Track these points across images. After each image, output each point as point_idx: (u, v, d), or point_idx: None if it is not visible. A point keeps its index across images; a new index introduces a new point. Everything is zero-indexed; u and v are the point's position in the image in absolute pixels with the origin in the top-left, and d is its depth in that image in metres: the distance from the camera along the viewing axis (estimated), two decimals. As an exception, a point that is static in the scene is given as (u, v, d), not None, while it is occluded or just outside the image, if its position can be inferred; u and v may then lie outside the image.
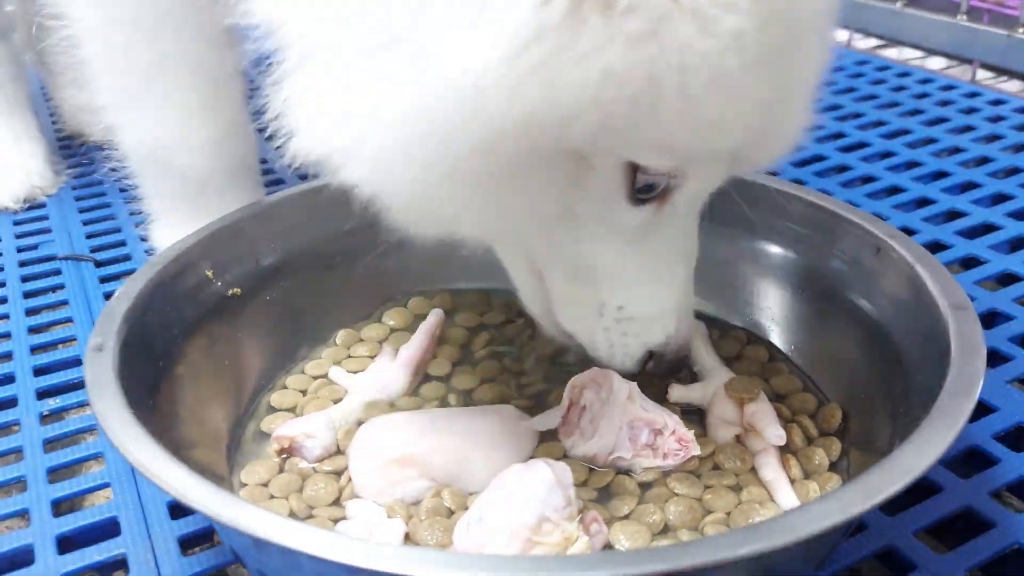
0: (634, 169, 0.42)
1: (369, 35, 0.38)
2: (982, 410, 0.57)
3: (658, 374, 0.52)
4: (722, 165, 0.44)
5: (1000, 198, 0.83)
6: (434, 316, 0.63)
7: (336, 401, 0.57)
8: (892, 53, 1.26)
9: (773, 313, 0.60)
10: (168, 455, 0.38)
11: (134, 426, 0.39)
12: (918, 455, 0.36)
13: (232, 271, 0.57)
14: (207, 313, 0.55)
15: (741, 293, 0.62)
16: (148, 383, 0.47)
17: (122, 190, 0.82)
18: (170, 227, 0.70)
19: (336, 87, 0.40)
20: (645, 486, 0.50)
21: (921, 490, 0.51)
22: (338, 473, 0.51)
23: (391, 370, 0.59)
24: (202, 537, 0.51)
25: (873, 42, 1.31)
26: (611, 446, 0.50)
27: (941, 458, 0.36)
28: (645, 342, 0.50)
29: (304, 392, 0.59)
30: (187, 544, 0.51)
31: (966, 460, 0.54)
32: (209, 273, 0.56)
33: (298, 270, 0.62)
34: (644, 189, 0.43)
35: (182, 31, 0.61)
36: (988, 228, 0.78)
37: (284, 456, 0.52)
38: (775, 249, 0.60)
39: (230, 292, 0.57)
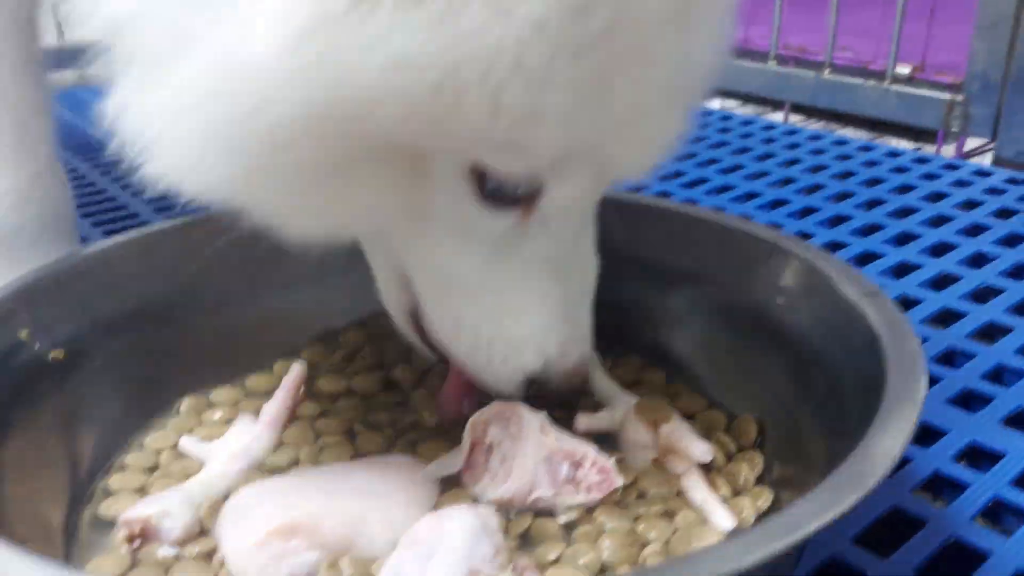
0: (479, 169, 0.39)
1: (174, 24, 0.37)
2: (881, 412, 0.56)
3: (551, 404, 0.47)
4: (585, 173, 0.41)
5: (839, 219, 0.86)
6: (296, 368, 0.55)
7: (190, 476, 0.48)
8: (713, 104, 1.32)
9: (666, 334, 0.57)
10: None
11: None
12: (892, 437, 0.33)
13: (53, 331, 0.48)
14: (25, 381, 0.45)
15: (627, 315, 0.58)
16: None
17: None
18: None
19: (151, 82, 0.38)
20: (569, 526, 0.44)
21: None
22: (208, 555, 0.43)
23: (252, 432, 0.51)
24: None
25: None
26: (529, 486, 0.44)
27: (907, 444, 0.33)
28: (518, 366, 0.45)
29: (151, 469, 0.49)
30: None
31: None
32: (23, 334, 0.46)
33: (131, 328, 0.53)
34: (497, 193, 0.40)
35: None
36: (836, 246, 0.81)
37: (136, 544, 0.43)
38: (661, 268, 0.57)
39: (51, 356, 0.47)
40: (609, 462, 0.46)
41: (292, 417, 0.53)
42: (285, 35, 0.34)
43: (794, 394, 0.48)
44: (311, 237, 0.42)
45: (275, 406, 0.52)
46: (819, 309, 0.47)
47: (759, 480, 0.47)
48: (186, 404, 0.54)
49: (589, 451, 0.45)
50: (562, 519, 0.44)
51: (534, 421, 0.46)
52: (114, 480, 0.48)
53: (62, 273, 0.49)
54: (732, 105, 1.32)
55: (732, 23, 0.40)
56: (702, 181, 0.96)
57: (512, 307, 0.44)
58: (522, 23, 0.33)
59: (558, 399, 0.47)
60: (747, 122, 1.15)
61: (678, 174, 0.98)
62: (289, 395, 0.53)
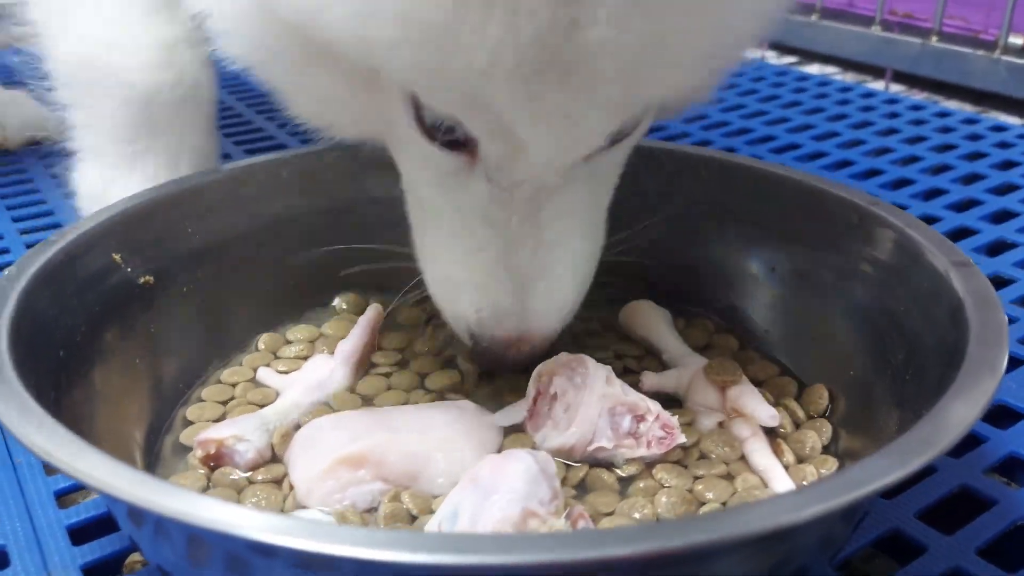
0: (415, 98, 0.39)
1: None
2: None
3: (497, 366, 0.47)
4: (509, 140, 0.37)
5: (935, 192, 0.83)
6: (373, 310, 0.56)
7: (265, 406, 0.50)
8: (811, 68, 1.28)
9: (742, 297, 0.56)
10: (62, 428, 0.30)
11: (22, 396, 0.32)
12: (966, 405, 0.32)
13: (144, 256, 0.50)
14: (116, 302, 0.47)
15: (706, 277, 0.58)
16: (47, 378, 0.39)
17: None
18: (99, 171, 0.60)
19: None
20: (627, 480, 0.44)
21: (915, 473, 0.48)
22: (277, 482, 0.44)
23: (328, 366, 0.52)
24: (108, 564, 0.43)
25: (789, 59, 1.32)
26: (590, 435, 0.45)
27: (987, 407, 0.32)
28: (455, 312, 0.45)
29: (227, 401, 0.51)
30: (92, 574, 0.43)
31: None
32: (117, 257, 0.48)
33: (216, 260, 0.54)
34: (433, 129, 0.39)
35: None
36: (928, 220, 0.77)
37: (212, 465, 0.45)
38: (742, 226, 0.56)
39: (141, 280, 0.49)
40: (673, 419, 0.46)
41: (367, 359, 0.54)
42: None
43: (870, 364, 0.47)
44: (314, 125, 0.45)
45: (351, 344, 0.53)
46: (904, 277, 0.46)
47: (825, 449, 0.46)
48: (263, 340, 0.56)
49: (652, 406, 0.45)
50: (621, 472, 0.45)
51: (600, 372, 0.46)
52: (192, 410, 0.50)
53: (155, 201, 0.51)
54: (832, 71, 1.27)
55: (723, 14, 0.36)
56: (793, 146, 0.93)
57: (457, 249, 0.43)
58: None
59: (498, 364, 0.46)
60: (845, 88, 1.11)
61: (769, 138, 0.95)
62: (365, 334, 0.54)
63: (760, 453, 0.45)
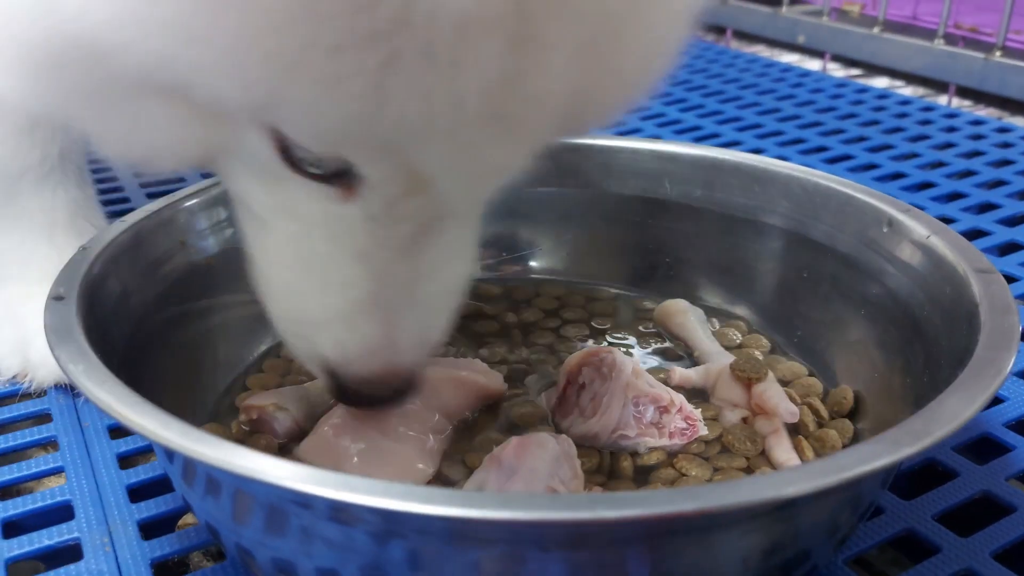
0: (275, 128, 0.34)
1: None
2: (993, 400, 0.55)
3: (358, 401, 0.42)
4: (400, 173, 0.34)
5: (987, 207, 0.83)
6: None
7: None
8: (870, 82, 1.27)
9: (775, 298, 0.58)
10: (140, 398, 0.34)
11: (102, 369, 0.35)
12: (961, 400, 0.33)
13: (207, 238, 0.53)
14: (178, 281, 0.51)
15: (741, 279, 0.59)
16: (115, 345, 0.43)
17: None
18: None
19: None
20: (649, 468, 0.46)
21: (937, 475, 0.49)
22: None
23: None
24: (164, 522, 0.47)
25: (853, 71, 1.32)
26: (614, 423, 0.47)
27: (985, 405, 0.33)
28: (310, 350, 0.41)
29: (284, 375, 0.55)
30: (148, 529, 0.46)
31: (979, 448, 0.51)
32: (182, 239, 0.52)
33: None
34: (302, 164, 0.35)
35: None
36: (978, 233, 0.77)
37: (248, 430, 0.48)
38: (777, 231, 0.58)
39: (204, 260, 0.53)
40: (696, 412, 0.48)
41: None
42: None
43: (895, 366, 0.48)
44: (124, 161, 0.39)
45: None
46: (928, 282, 0.47)
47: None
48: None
49: (676, 398, 0.47)
50: (642, 461, 0.46)
51: (627, 364, 0.48)
52: (252, 379, 0.53)
53: (214, 186, 0.55)
54: (896, 84, 1.26)
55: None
56: (845, 157, 0.94)
57: (320, 285, 0.39)
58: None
59: (358, 400, 0.42)
60: (904, 102, 1.11)
61: (822, 148, 0.96)
62: None
63: (780, 448, 0.47)
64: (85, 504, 0.47)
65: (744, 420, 0.50)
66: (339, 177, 0.35)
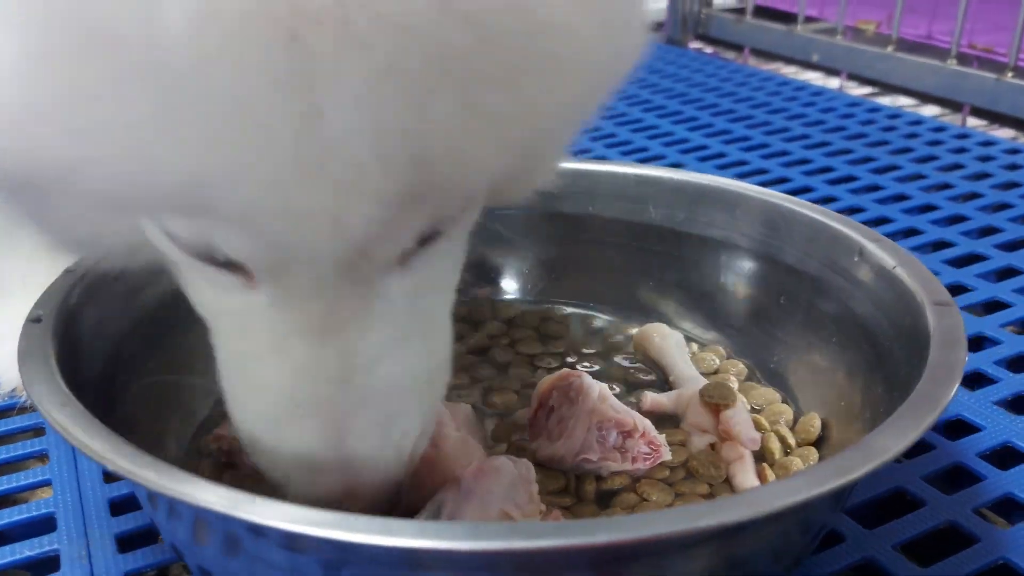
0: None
1: None
2: (967, 429, 0.55)
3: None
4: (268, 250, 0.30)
5: (988, 231, 0.82)
6: None
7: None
8: (885, 100, 1.27)
9: (752, 323, 0.58)
10: (97, 422, 0.35)
11: (61, 392, 0.37)
12: (889, 437, 0.33)
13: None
14: (158, 307, 0.52)
15: (717, 305, 0.60)
16: (91, 371, 0.45)
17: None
18: None
19: None
20: (612, 492, 0.47)
21: (903, 504, 0.49)
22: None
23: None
24: (142, 535, 0.48)
25: (867, 89, 1.31)
26: (578, 447, 0.47)
27: (913, 443, 0.34)
28: (265, 465, 0.37)
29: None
30: (125, 542, 0.48)
31: (950, 477, 0.51)
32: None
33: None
34: (188, 249, 0.32)
35: None
36: (975, 258, 0.77)
37: (224, 462, 0.49)
38: (752, 258, 0.58)
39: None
40: (660, 437, 0.48)
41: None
42: None
43: (859, 396, 0.48)
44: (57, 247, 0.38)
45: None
46: (893, 314, 0.47)
47: (810, 475, 0.48)
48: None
49: (640, 423, 0.48)
50: (604, 486, 0.47)
51: (594, 389, 0.49)
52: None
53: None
54: (910, 103, 1.26)
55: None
56: (851, 179, 0.93)
57: (245, 391, 0.36)
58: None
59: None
60: (916, 121, 1.10)
61: (827, 169, 0.96)
62: None
63: (743, 475, 0.47)
64: (67, 516, 0.49)
65: (712, 446, 0.50)
66: (234, 266, 0.31)
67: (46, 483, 0.52)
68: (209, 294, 0.34)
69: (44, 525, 0.49)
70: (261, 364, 0.34)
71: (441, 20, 0.25)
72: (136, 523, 0.48)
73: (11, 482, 0.52)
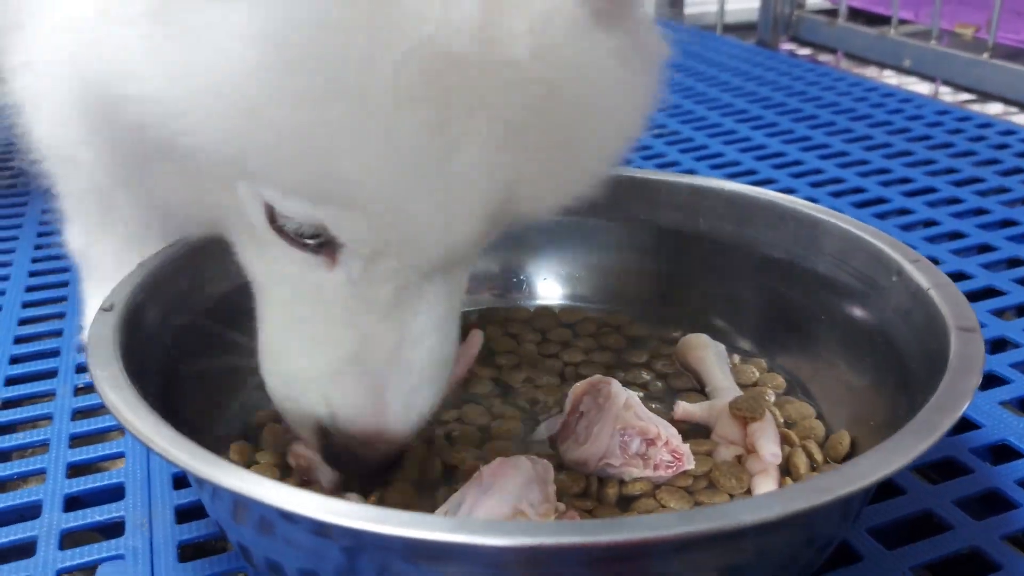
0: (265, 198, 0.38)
1: None
2: (1011, 454, 0.54)
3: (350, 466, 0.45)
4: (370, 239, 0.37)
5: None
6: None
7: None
8: (978, 108, 1.22)
9: (786, 340, 0.58)
10: (149, 409, 0.39)
11: (122, 381, 0.41)
12: (882, 462, 0.34)
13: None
14: (222, 300, 0.56)
15: (760, 318, 0.60)
16: (154, 361, 0.48)
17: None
18: (80, 233, 0.65)
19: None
20: (632, 497, 0.48)
21: (929, 526, 0.49)
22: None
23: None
24: (199, 509, 0.53)
25: (963, 96, 1.27)
26: (601, 452, 0.49)
27: (907, 467, 0.34)
28: (301, 409, 0.43)
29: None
30: (183, 514, 0.52)
31: (986, 503, 0.51)
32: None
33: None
34: (285, 230, 0.39)
35: None
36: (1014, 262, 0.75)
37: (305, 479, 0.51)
38: (795, 272, 0.58)
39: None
40: (684, 447, 0.49)
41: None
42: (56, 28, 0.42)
43: (886, 414, 0.48)
44: (155, 214, 0.46)
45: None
46: (922, 337, 0.47)
47: (832, 493, 0.48)
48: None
49: (664, 432, 0.49)
50: (625, 490, 0.49)
51: (622, 396, 0.50)
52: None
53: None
54: (1010, 112, 1.21)
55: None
56: (929, 190, 0.91)
57: (310, 347, 0.42)
58: (240, 60, 0.33)
59: (350, 463, 0.44)
60: (1008, 132, 1.06)
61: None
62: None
63: (763, 488, 0.48)
64: (135, 487, 0.54)
65: (739, 458, 0.51)
66: (322, 247, 0.39)
67: (120, 455, 0.57)
68: (282, 267, 0.40)
69: (114, 493, 0.54)
70: (327, 330, 0.41)
71: (530, 86, 0.34)
72: (194, 497, 0.53)
73: (95, 451, 0.57)
